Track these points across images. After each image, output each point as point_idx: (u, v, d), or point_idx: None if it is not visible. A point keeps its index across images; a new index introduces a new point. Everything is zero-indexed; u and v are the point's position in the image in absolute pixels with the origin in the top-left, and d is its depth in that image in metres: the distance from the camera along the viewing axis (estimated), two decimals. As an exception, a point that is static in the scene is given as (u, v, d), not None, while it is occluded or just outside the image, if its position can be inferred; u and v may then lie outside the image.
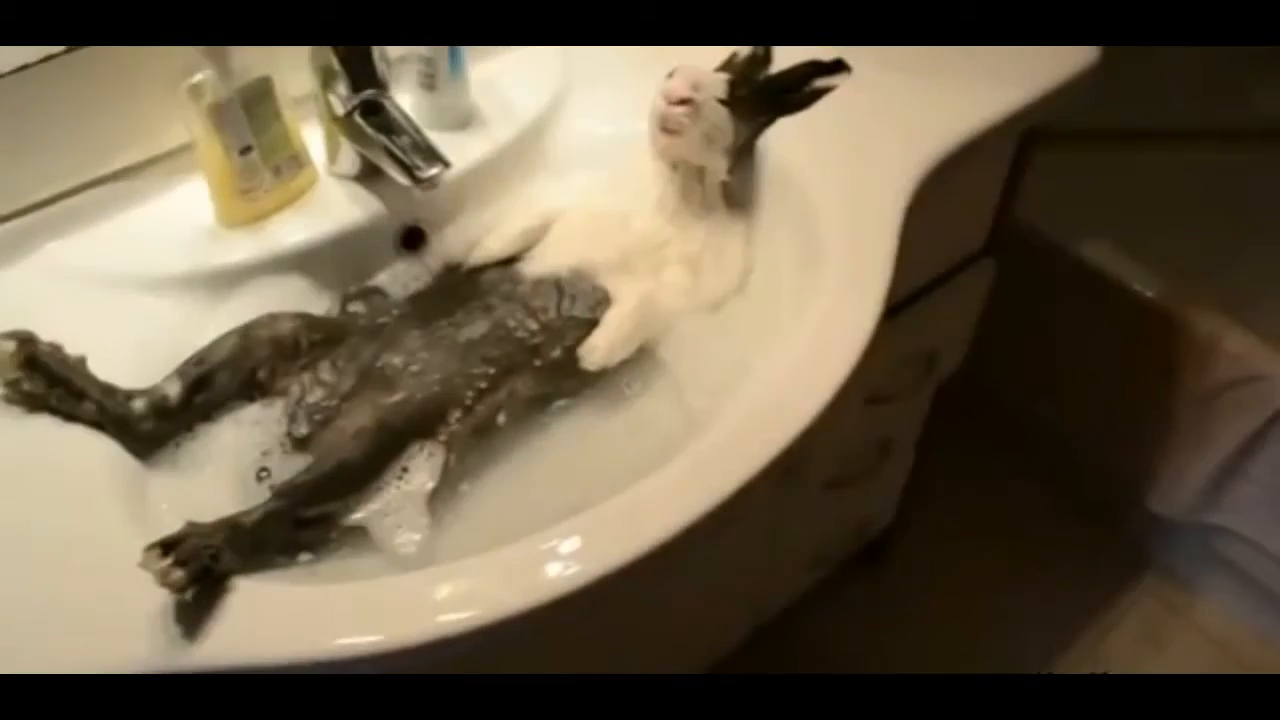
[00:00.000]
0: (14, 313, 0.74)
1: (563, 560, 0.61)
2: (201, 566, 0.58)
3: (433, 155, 0.76)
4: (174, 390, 0.71)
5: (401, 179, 0.76)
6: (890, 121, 0.91)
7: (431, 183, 0.76)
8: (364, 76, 0.78)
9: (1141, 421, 1.49)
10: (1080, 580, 1.60)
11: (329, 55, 0.77)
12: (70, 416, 0.69)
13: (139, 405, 0.70)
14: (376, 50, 0.78)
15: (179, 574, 0.57)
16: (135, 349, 0.74)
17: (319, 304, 0.81)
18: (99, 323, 0.75)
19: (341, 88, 0.78)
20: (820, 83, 0.90)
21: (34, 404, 0.69)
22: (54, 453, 0.67)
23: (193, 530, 0.60)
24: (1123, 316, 1.45)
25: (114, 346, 0.73)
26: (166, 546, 0.57)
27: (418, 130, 0.78)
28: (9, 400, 0.69)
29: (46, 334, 0.70)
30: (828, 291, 0.78)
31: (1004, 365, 1.52)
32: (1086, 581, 1.60)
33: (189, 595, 0.58)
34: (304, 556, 0.68)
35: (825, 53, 0.86)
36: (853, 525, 1.38)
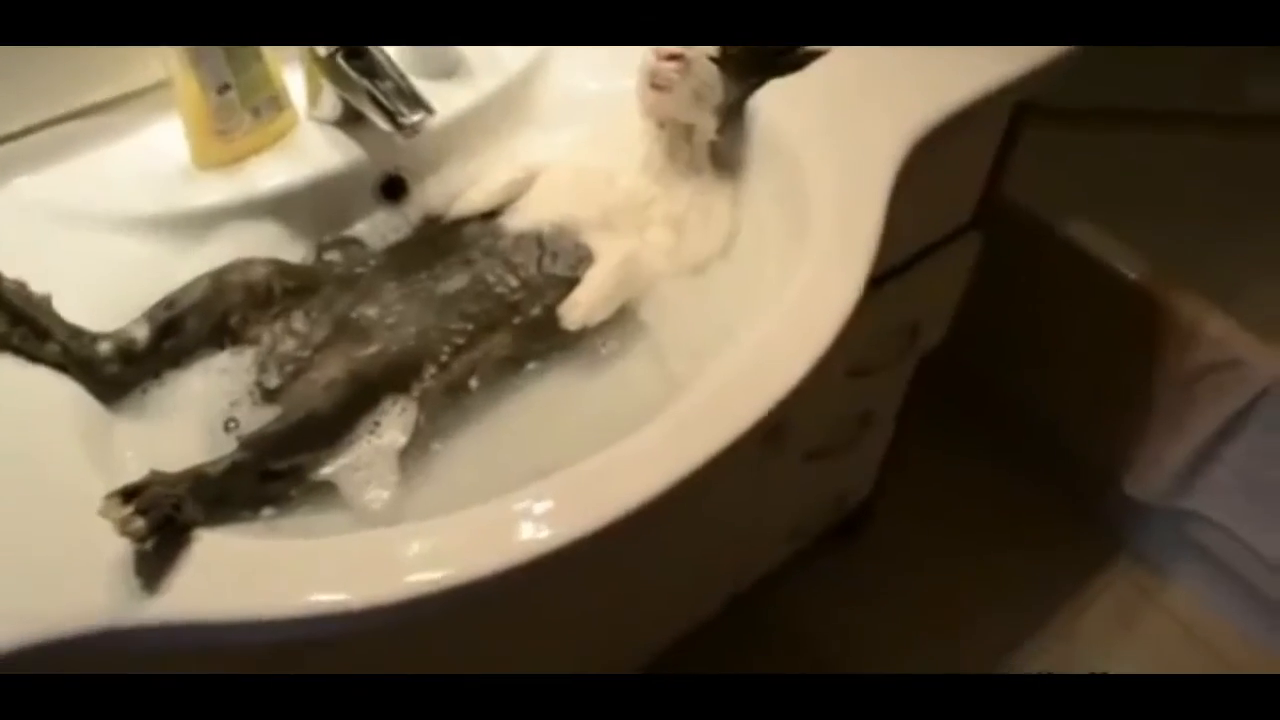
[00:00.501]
0: None
1: (536, 521, 0.60)
2: (163, 515, 0.57)
3: (416, 101, 0.74)
4: (142, 334, 0.69)
5: (384, 125, 0.74)
6: (883, 89, 0.89)
7: (414, 129, 0.74)
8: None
9: (1120, 403, 1.49)
10: (1053, 561, 1.60)
11: None
12: (34, 357, 0.67)
13: (105, 348, 0.68)
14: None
15: (139, 523, 0.55)
16: (103, 290, 0.72)
17: (294, 251, 0.79)
18: (67, 261, 0.73)
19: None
20: (811, 46, 0.89)
21: (-2, 344, 0.67)
22: (15, 394, 0.66)
23: (155, 479, 0.58)
24: (1106, 297, 1.45)
25: (81, 286, 0.71)
26: (128, 494, 0.56)
27: (402, 76, 0.76)
28: (-29, 339, 0.67)
29: (12, 270, 0.68)
30: (813, 258, 0.76)
31: (985, 341, 1.51)
32: (1060, 563, 1.60)
33: (149, 545, 0.56)
34: (269, 510, 0.66)
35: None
36: (831, 497, 1.37)
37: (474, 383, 0.73)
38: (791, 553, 1.39)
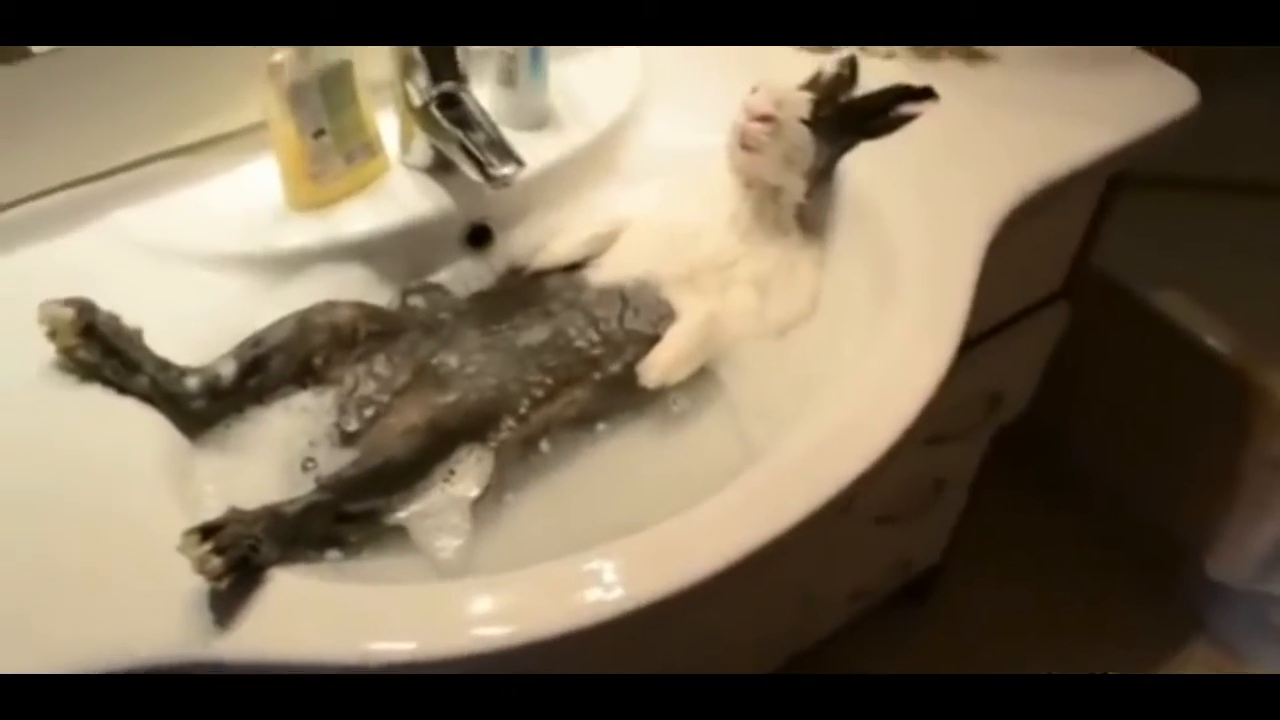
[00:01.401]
0: (77, 278, 0.74)
1: (606, 585, 0.59)
2: (240, 556, 0.57)
3: (507, 153, 0.75)
4: (228, 370, 0.70)
5: (474, 175, 0.75)
6: (976, 156, 0.88)
7: (504, 181, 0.74)
8: (444, 68, 0.76)
9: (1204, 481, 1.43)
10: (1126, 639, 1.54)
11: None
12: (123, 389, 0.68)
13: (192, 383, 0.69)
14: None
15: (217, 562, 0.55)
16: (192, 324, 0.74)
17: (379, 295, 0.80)
18: (159, 294, 0.75)
19: (420, 78, 0.77)
20: (906, 109, 0.88)
21: (88, 373, 0.68)
22: (104, 423, 0.67)
23: (234, 517, 0.59)
24: (1194, 371, 1.40)
25: (172, 320, 0.72)
26: (206, 532, 0.56)
27: (494, 127, 0.76)
28: (64, 367, 0.68)
29: (106, 302, 0.70)
30: (900, 328, 0.75)
31: (1066, 409, 1.48)
32: (1133, 640, 1.55)
33: (224, 584, 0.56)
34: (338, 552, 0.66)
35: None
36: (898, 561, 1.34)
37: (550, 436, 0.73)
38: (855, 613, 1.37)
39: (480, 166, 0.74)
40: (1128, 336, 1.46)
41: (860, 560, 1.24)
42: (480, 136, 0.75)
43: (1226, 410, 1.37)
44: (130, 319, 0.70)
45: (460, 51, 0.77)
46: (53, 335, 0.67)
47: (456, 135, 0.75)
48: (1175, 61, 1.00)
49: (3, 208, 0.76)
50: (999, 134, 0.91)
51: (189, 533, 0.56)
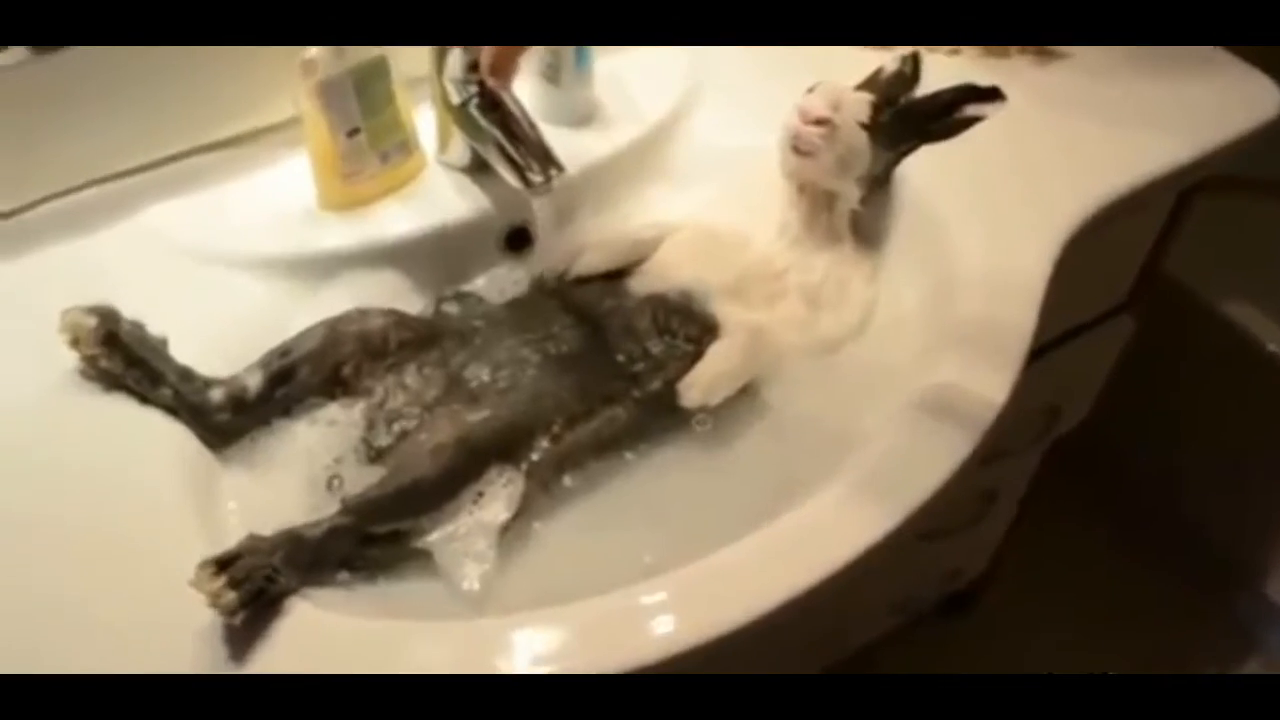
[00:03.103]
0: (105, 274, 0.73)
1: (654, 626, 0.56)
2: (256, 589, 0.54)
3: (548, 159, 0.71)
4: (254, 382, 0.68)
5: (512, 180, 0.72)
6: (1045, 165, 0.83)
7: (543, 188, 0.71)
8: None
9: (1267, 499, 1.38)
10: (1176, 657, 1.49)
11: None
12: (146, 399, 0.66)
13: (217, 395, 0.66)
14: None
15: (231, 596, 0.53)
16: (219, 327, 0.72)
17: (413, 300, 0.77)
18: (187, 295, 0.73)
19: (458, 69, 0.73)
20: (971, 110, 0.82)
21: (111, 382, 0.66)
22: (125, 436, 0.64)
23: (250, 546, 0.56)
24: (1260, 383, 1.34)
25: (198, 321, 0.71)
26: (221, 564, 0.54)
27: (535, 129, 0.73)
28: (86, 375, 0.66)
29: (132, 303, 0.68)
30: (960, 350, 0.71)
31: (1123, 419, 1.42)
32: (1183, 659, 1.49)
33: (239, 619, 0.54)
34: (360, 574, 0.63)
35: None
36: (943, 574, 1.30)
37: (583, 459, 0.69)
38: (897, 624, 1.33)
39: (519, 171, 0.71)
40: (1190, 344, 1.40)
41: (906, 573, 1.20)
42: (521, 140, 0.72)
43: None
44: (156, 322, 0.68)
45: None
46: (75, 343, 0.65)
47: (495, 137, 0.72)
48: (1259, 62, 0.94)
49: (32, 204, 0.74)
50: (1069, 141, 0.85)
51: (203, 565, 0.53)
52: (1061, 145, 0.85)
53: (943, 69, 0.91)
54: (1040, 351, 0.96)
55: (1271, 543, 1.38)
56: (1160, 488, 1.53)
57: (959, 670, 1.43)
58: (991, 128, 0.82)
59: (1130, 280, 1.03)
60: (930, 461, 0.65)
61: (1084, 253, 0.80)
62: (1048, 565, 1.51)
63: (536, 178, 0.70)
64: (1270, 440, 1.35)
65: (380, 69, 0.72)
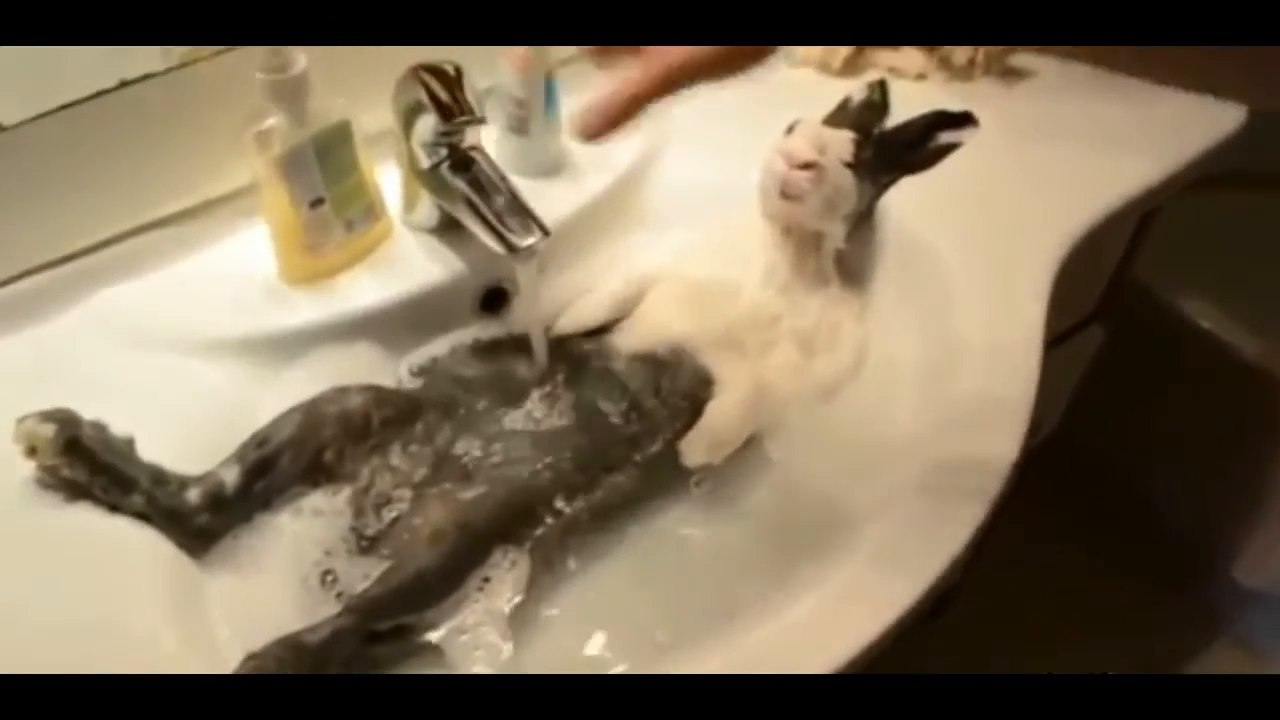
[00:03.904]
0: (58, 366, 0.68)
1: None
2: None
3: (530, 220, 0.68)
4: (232, 477, 0.63)
5: (494, 245, 0.68)
6: (1023, 193, 0.82)
7: (529, 252, 0.67)
8: (454, 109, 0.67)
9: (1233, 487, 1.40)
10: (1147, 645, 1.51)
11: (416, 91, 0.67)
12: (115, 507, 0.60)
13: (193, 496, 0.62)
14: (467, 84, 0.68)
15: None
16: (185, 417, 0.67)
17: (388, 372, 0.73)
18: (147, 385, 0.68)
19: (428, 132, 0.69)
20: (945, 138, 0.81)
21: (74, 491, 0.60)
22: (94, 550, 0.59)
23: (252, 669, 0.52)
24: (1221, 375, 1.36)
25: (163, 413, 0.66)
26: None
27: (511, 189, 0.69)
28: (44, 484, 0.61)
29: (89, 394, 0.63)
30: (966, 382, 0.69)
31: (1089, 418, 1.43)
32: (1154, 647, 1.51)
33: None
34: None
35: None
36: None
37: (588, 530, 0.66)
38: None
39: (499, 236, 0.67)
40: (1153, 341, 1.41)
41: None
42: (498, 202, 0.68)
43: (1254, 415, 1.33)
44: (117, 418, 0.62)
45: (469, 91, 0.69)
46: (32, 452, 0.59)
47: (472, 201, 0.68)
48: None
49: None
50: (1042, 167, 0.85)
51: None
52: (1035, 171, 0.84)
53: (909, 95, 0.89)
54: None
55: (1240, 530, 1.40)
56: (1125, 478, 1.55)
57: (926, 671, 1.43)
58: (966, 154, 0.81)
59: (1098, 293, 1.03)
60: (944, 530, 0.62)
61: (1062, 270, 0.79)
62: (1019, 562, 1.51)
63: (521, 242, 0.67)
64: (1233, 429, 1.37)
65: (343, 133, 0.68)
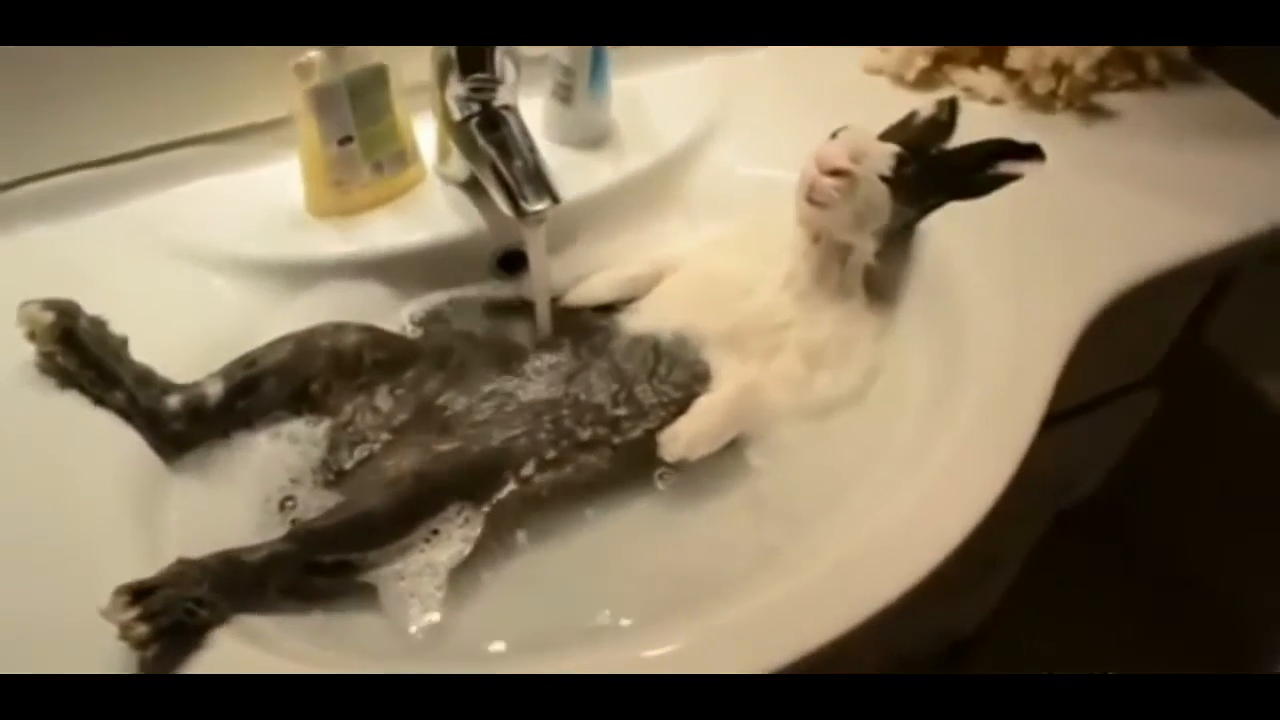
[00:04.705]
0: (78, 263, 0.70)
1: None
2: (173, 621, 0.52)
3: (544, 187, 0.68)
4: (215, 391, 0.65)
5: (504, 206, 0.68)
6: (1079, 235, 0.78)
7: (534, 219, 0.67)
8: (474, 64, 0.68)
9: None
10: None
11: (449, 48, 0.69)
12: (100, 400, 0.63)
13: (173, 402, 0.64)
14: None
15: (143, 629, 0.50)
16: (189, 327, 0.69)
17: (396, 316, 0.74)
18: (158, 291, 0.70)
19: (457, 84, 0.69)
20: (1006, 167, 0.79)
21: (66, 379, 0.63)
22: (71, 435, 0.62)
23: (174, 576, 0.53)
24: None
25: (168, 322, 0.68)
26: (138, 593, 0.51)
27: (534, 154, 0.69)
28: (42, 369, 0.64)
29: (102, 295, 0.65)
30: (960, 428, 0.67)
31: (1142, 484, 1.36)
32: None
33: (151, 653, 0.51)
34: (297, 603, 0.60)
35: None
36: (936, 632, 1.26)
37: (548, 504, 0.66)
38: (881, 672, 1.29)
39: (511, 197, 0.67)
40: (1219, 413, 1.33)
41: (896, 632, 1.16)
42: (518, 165, 0.68)
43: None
44: (122, 318, 0.65)
45: (500, 54, 0.69)
46: (32, 337, 0.62)
47: (492, 159, 0.68)
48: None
49: (12, 184, 0.71)
50: (1108, 209, 0.80)
51: (117, 593, 0.51)
52: (1099, 213, 0.80)
53: (982, 118, 0.87)
54: (1050, 421, 0.91)
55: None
56: (1176, 554, 1.47)
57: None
58: (1026, 187, 0.78)
59: (1158, 356, 0.97)
60: (916, 549, 0.61)
61: (1110, 324, 0.75)
62: (1048, 628, 1.46)
63: (530, 206, 0.67)
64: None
65: (378, 78, 0.69)
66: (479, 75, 0.65)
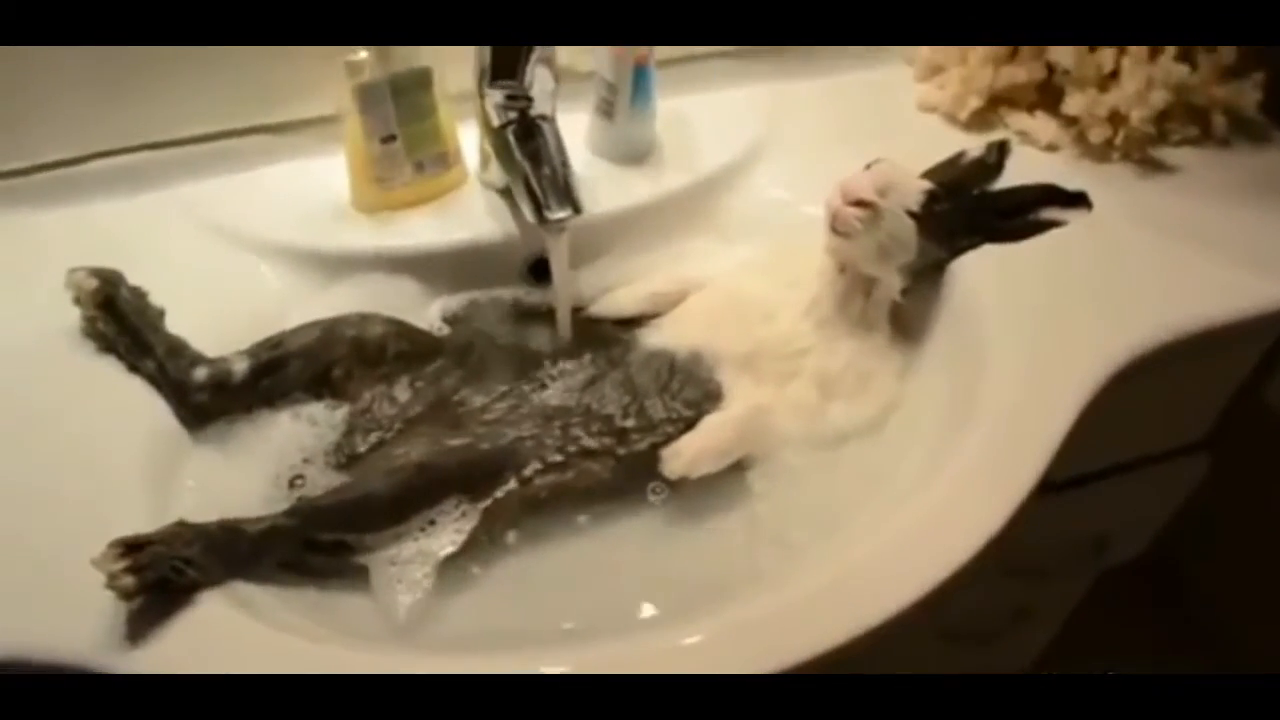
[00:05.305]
0: (132, 238, 0.74)
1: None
2: (159, 577, 0.54)
3: (567, 197, 0.69)
4: (240, 368, 0.68)
5: (528, 213, 0.70)
6: (1120, 285, 0.76)
7: (555, 227, 0.69)
8: (504, 70, 0.70)
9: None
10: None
11: (486, 54, 0.71)
12: (134, 368, 0.67)
13: (200, 374, 0.67)
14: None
15: (129, 580, 0.53)
16: (224, 306, 0.73)
17: (422, 310, 0.77)
18: (201, 270, 0.74)
19: (494, 93, 0.71)
20: (1049, 214, 0.78)
21: (105, 344, 0.68)
22: (102, 397, 0.66)
23: (168, 534, 0.56)
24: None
25: (206, 298, 0.72)
26: (130, 546, 0.54)
27: (565, 166, 0.71)
28: (86, 333, 0.68)
29: (147, 271, 0.69)
30: (961, 469, 0.66)
31: (1197, 547, 1.31)
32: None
33: (134, 605, 0.54)
34: (290, 577, 0.63)
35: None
36: (966, 681, 1.23)
37: (545, 507, 0.68)
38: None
39: (535, 205, 0.69)
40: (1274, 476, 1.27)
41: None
42: (546, 173, 0.70)
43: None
44: (163, 292, 0.69)
45: (533, 64, 0.71)
46: (77, 302, 0.67)
47: (523, 167, 0.70)
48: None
49: (87, 158, 0.76)
50: (1153, 265, 0.78)
51: (112, 544, 0.54)
52: (1142, 265, 0.78)
53: (1033, 163, 0.85)
54: (1084, 479, 0.89)
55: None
56: (1233, 619, 1.41)
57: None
58: (1070, 233, 0.77)
59: (1210, 419, 0.94)
60: (903, 575, 0.60)
61: (1149, 379, 0.74)
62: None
63: (552, 214, 0.69)
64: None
65: (422, 79, 0.72)
66: (508, 82, 0.68)
